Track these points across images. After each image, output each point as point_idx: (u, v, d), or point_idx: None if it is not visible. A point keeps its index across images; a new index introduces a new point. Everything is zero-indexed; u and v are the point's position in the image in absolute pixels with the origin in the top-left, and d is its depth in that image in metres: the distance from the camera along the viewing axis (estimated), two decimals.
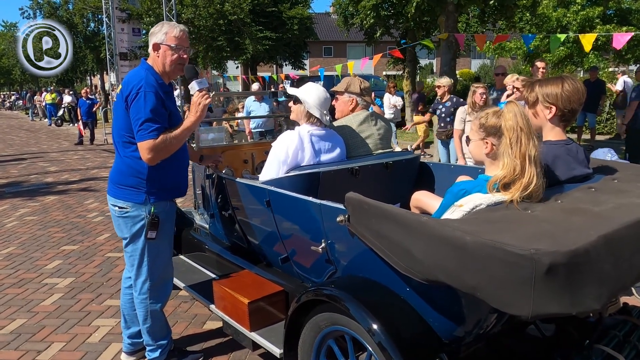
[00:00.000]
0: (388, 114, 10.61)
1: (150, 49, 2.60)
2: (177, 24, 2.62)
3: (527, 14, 16.71)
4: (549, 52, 17.95)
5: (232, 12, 16.33)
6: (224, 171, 3.28)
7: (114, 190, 2.66)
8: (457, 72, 12.46)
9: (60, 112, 22.51)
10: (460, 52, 11.94)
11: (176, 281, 3.34)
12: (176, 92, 13.04)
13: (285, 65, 26.03)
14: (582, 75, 19.66)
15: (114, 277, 4.31)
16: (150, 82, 2.47)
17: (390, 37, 15.13)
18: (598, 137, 12.20)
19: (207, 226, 3.68)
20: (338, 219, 1.96)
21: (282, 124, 4.03)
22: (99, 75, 32.70)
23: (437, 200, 2.30)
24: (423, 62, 26.17)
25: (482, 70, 37.73)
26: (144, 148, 2.43)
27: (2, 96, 32.30)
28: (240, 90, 24.42)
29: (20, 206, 7.10)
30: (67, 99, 21.46)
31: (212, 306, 2.88)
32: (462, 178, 2.43)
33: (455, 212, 1.74)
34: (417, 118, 9.90)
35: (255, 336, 2.53)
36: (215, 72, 26.76)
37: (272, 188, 2.50)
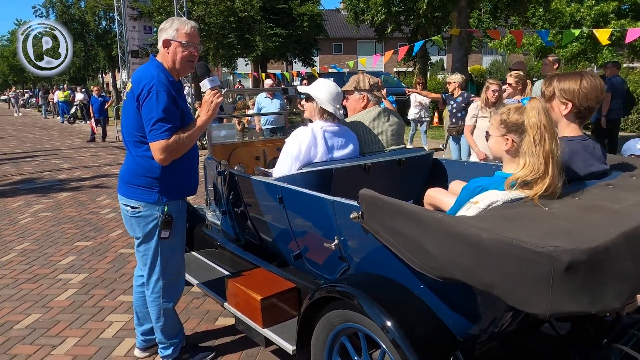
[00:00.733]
0: (413, 113, 10.17)
1: (159, 45, 2.56)
2: (188, 20, 2.59)
3: (540, 10, 16.51)
4: (562, 47, 17.76)
5: (243, 9, 16.35)
6: (235, 168, 3.28)
7: (126, 190, 2.63)
8: (468, 68, 12.37)
9: (73, 110, 22.74)
10: (472, 48, 11.85)
11: (189, 277, 3.35)
12: (186, 90, 13.11)
13: (295, 62, 26.06)
14: (595, 71, 19.41)
15: (126, 274, 4.35)
16: (161, 80, 2.44)
17: (400, 34, 15.06)
18: None
19: (219, 223, 3.69)
20: (352, 216, 1.95)
21: (293, 122, 4.04)
22: (110, 73, 32.99)
23: (451, 197, 2.28)
24: (434, 58, 26.00)
25: (494, 66, 37.40)
26: (157, 148, 2.42)
27: (15, 94, 32.64)
28: (250, 88, 24.49)
29: (34, 202, 7.18)
30: (79, 96, 21.67)
31: (226, 303, 2.89)
32: (457, 183, 2.42)
33: (470, 209, 1.73)
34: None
35: (267, 332, 2.54)
36: (225, 70, 26.85)
37: (285, 185, 2.49)
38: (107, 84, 41.45)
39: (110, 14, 26.16)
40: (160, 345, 2.86)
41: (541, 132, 1.70)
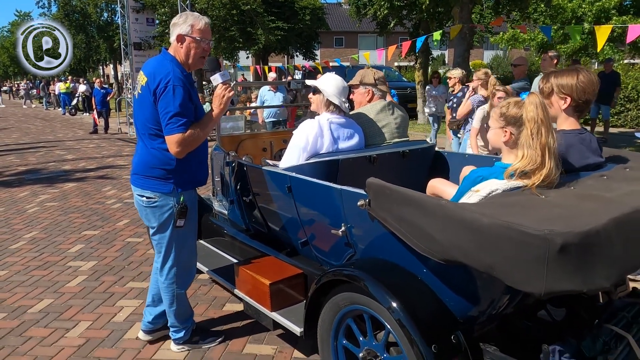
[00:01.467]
0: (429, 107, 9.97)
1: (172, 40, 2.62)
2: (202, 16, 2.65)
3: (542, 5, 16.54)
4: (563, 43, 17.81)
5: (245, 2, 16.38)
6: (244, 159, 3.38)
7: (141, 181, 2.70)
8: (469, 63, 12.43)
9: (74, 102, 22.79)
10: (474, 43, 11.89)
11: (198, 265, 3.46)
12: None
13: (297, 55, 26.05)
14: (596, 67, 19.47)
15: (135, 261, 4.46)
16: (177, 75, 2.50)
17: (402, 28, 15.10)
18: (611, 130, 12.13)
19: (225, 212, 3.79)
20: (359, 203, 2.05)
21: (299, 115, 4.16)
22: (111, 65, 32.98)
23: (453, 187, 2.38)
24: (435, 53, 26.01)
25: (495, 61, 37.37)
26: (173, 142, 2.49)
27: (16, 85, 32.49)
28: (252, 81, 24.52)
29: (40, 192, 7.28)
30: (81, 88, 21.72)
31: (235, 289, 3.00)
32: (467, 168, 2.52)
33: (472, 197, 1.83)
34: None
35: (276, 316, 2.65)
36: (227, 62, 26.89)
37: (294, 174, 2.60)
38: (108, 76, 41.43)
39: (112, 6, 26.13)
40: (172, 329, 2.97)
41: (538, 125, 1.80)
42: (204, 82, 18.38)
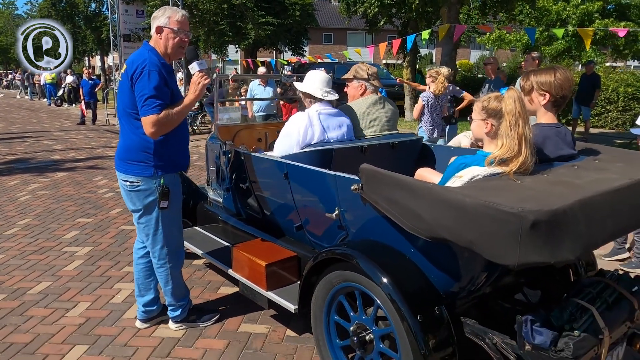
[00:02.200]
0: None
1: (152, 32, 2.77)
2: (179, 9, 2.82)
3: (528, 7, 16.89)
4: (547, 45, 18.20)
5: None
6: (240, 147, 3.53)
7: (123, 166, 2.84)
8: (456, 62, 12.68)
9: (60, 92, 22.56)
10: (460, 43, 12.15)
11: (194, 249, 3.62)
12: (179, 75, 13.20)
13: (286, 51, 26.14)
14: (579, 69, 19.90)
15: (129, 247, 4.57)
16: (153, 61, 2.65)
17: (391, 26, 15.29)
18: (592, 130, 12.50)
19: (220, 200, 3.94)
20: (352, 188, 2.22)
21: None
22: (98, 56, 32.65)
23: (438, 176, 2.57)
24: (423, 51, 26.28)
25: (481, 61, 37.85)
26: (148, 122, 2.62)
27: (22, 76, 31.33)
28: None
29: (31, 181, 7.33)
30: (69, 79, 21.49)
31: (230, 270, 3.15)
32: (423, 171, 2.72)
33: (455, 182, 2.02)
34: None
35: (271, 295, 2.82)
36: (215, 57, 26.87)
37: (291, 162, 2.76)
38: (93, 67, 40.98)
39: None
40: (169, 308, 3.11)
41: (516, 117, 1.99)
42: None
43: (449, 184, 2.07)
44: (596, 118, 13.57)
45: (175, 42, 2.75)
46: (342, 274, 2.35)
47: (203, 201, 4.15)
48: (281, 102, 8.58)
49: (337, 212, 2.50)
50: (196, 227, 4.02)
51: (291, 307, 2.67)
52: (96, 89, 15.77)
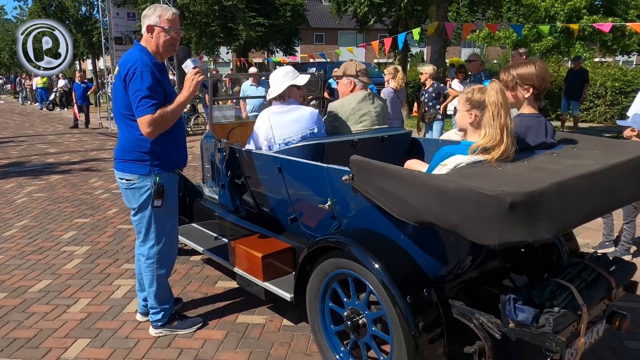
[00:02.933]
0: (452, 106, 9.82)
1: (143, 31, 2.77)
2: (170, 7, 2.84)
3: (515, 5, 17.09)
4: (536, 41, 18.41)
5: None
6: (235, 144, 3.62)
7: (120, 165, 2.89)
8: (447, 60, 12.83)
9: (52, 97, 22.51)
10: (450, 41, 12.30)
11: (192, 244, 3.71)
12: (170, 77, 13.24)
13: (277, 52, 26.21)
14: (569, 65, 20.13)
15: (127, 246, 4.66)
16: (145, 61, 2.66)
17: (382, 25, 15.43)
18: (581, 125, 12.68)
19: (216, 197, 4.03)
20: (343, 178, 2.32)
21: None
22: (89, 60, 32.55)
23: (426, 166, 2.67)
24: (414, 50, 26.43)
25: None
26: (143, 122, 2.65)
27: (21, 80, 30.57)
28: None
29: (26, 184, 7.38)
30: (61, 82, 21.44)
31: (227, 263, 3.25)
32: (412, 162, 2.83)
33: (441, 170, 2.13)
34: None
35: (268, 285, 2.91)
36: (206, 58, 26.90)
37: (284, 156, 2.86)
38: (85, 71, 40.83)
39: (91, 0, 25.90)
40: (151, 311, 3.07)
41: (498, 108, 2.10)
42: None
43: (435, 172, 2.18)
44: (585, 112, 13.77)
45: (166, 40, 2.77)
46: (335, 261, 2.45)
47: (199, 198, 4.24)
48: None
49: (329, 203, 2.60)
50: (193, 224, 4.11)
51: (287, 296, 2.77)
52: (88, 92, 15.79)
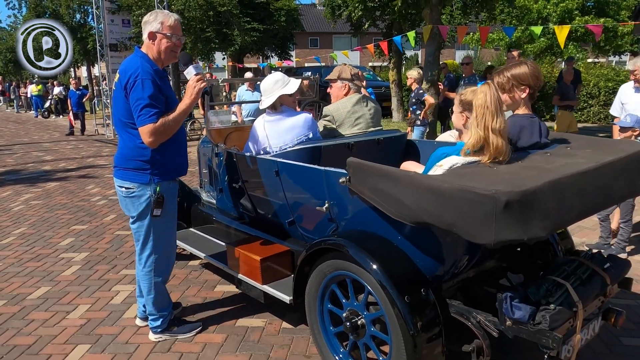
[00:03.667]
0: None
1: (144, 37, 2.75)
2: (171, 13, 2.82)
3: (508, 7, 17.22)
4: (530, 43, 18.54)
5: (222, 4, 16.53)
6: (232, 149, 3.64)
7: (120, 173, 2.87)
8: (441, 62, 12.88)
9: (47, 104, 22.47)
10: (445, 44, 12.38)
11: (190, 249, 3.72)
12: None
13: (272, 56, 26.24)
14: (562, 66, 20.26)
15: (126, 252, 4.67)
16: (146, 69, 2.63)
17: (376, 29, 15.50)
18: None
19: (214, 202, 4.05)
20: (340, 180, 2.35)
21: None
22: (84, 67, 32.51)
23: (422, 168, 2.70)
24: (409, 53, 26.54)
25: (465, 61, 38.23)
26: (145, 132, 2.62)
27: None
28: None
29: (23, 192, 7.37)
30: (56, 90, 21.41)
31: (226, 267, 3.26)
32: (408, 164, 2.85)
33: (437, 171, 2.15)
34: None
35: (266, 288, 2.93)
36: (201, 63, 26.91)
37: (281, 160, 2.89)
38: (80, 78, 40.76)
39: (85, 7, 25.87)
40: (150, 317, 3.08)
41: (483, 110, 2.11)
42: (180, 83, 18.44)
43: (431, 172, 2.21)
44: (579, 113, 13.86)
45: (168, 47, 2.75)
46: (333, 263, 2.47)
47: (197, 203, 4.25)
48: None
49: (327, 205, 2.62)
50: (191, 229, 4.12)
51: (286, 298, 2.79)
52: (84, 100, 15.78)
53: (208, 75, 13.74)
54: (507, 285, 2.87)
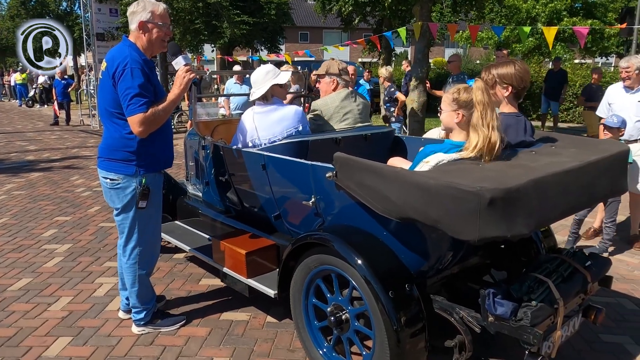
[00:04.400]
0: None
1: (133, 27, 2.70)
2: (159, 2, 2.77)
3: (497, 6, 17.32)
4: (518, 42, 18.70)
5: None
6: (219, 141, 3.62)
7: (105, 164, 2.82)
8: (430, 60, 12.94)
9: (31, 93, 22.11)
10: (434, 41, 12.42)
11: (175, 242, 3.70)
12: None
13: (262, 50, 26.09)
14: (550, 66, 20.48)
15: (110, 244, 4.62)
16: (135, 58, 2.59)
17: (366, 24, 15.48)
18: (561, 124, 12.90)
19: (200, 194, 4.02)
20: (327, 175, 2.35)
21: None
22: (70, 56, 31.96)
23: (408, 164, 2.71)
24: (398, 49, 26.57)
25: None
26: (135, 122, 2.57)
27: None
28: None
29: (5, 182, 7.25)
30: (41, 79, 21.05)
31: (211, 260, 3.25)
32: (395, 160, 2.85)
33: (423, 167, 2.16)
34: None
35: (251, 282, 2.92)
36: (190, 55, 26.65)
37: (268, 153, 2.87)
38: (66, 67, 40.12)
39: None
40: (133, 310, 3.04)
41: (485, 107, 2.12)
42: (168, 74, 18.27)
43: (417, 169, 2.22)
44: (564, 113, 14.01)
45: (158, 37, 2.72)
46: (319, 257, 2.47)
47: (183, 196, 4.22)
48: None
49: (313, 200, 2.62)
50: (176, 222, 4.09)
51: (271, 292, 2.79)
52: (69, 89, 15.55)
53: (199, 66, 13.63)
54: (490, 282, 2.90)
